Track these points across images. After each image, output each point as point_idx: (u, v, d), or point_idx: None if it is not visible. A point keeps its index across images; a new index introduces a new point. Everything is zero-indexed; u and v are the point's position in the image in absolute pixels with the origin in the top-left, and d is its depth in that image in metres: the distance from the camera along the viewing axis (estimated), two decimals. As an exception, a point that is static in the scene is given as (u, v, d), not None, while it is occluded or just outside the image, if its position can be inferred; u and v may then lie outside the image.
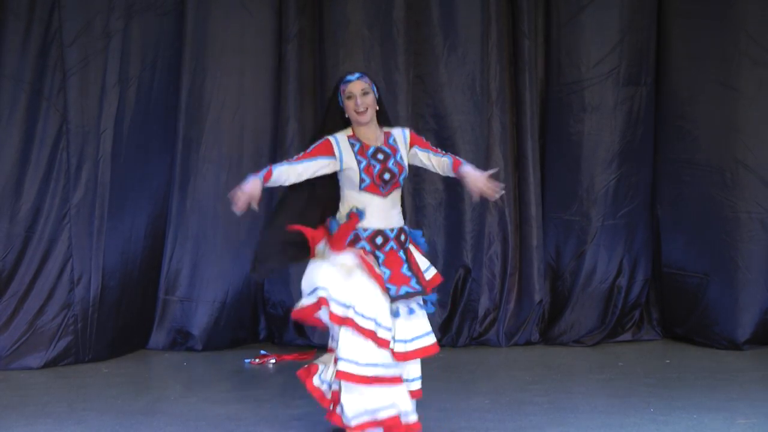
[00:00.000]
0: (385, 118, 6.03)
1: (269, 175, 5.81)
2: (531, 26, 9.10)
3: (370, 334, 5.72)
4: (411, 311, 5.86)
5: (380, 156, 5.89)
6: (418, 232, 6.15)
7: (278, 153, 9.04)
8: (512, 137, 9.18)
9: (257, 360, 8.50)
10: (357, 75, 5.93)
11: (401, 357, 5.80)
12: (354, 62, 8.88)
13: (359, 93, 5.86)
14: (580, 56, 9.04)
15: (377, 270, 5.81)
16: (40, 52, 8.30)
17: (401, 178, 5.92)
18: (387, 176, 5.86)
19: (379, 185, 5.85)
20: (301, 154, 5.90)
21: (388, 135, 5.98)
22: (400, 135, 6.02)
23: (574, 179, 9.08)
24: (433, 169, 6.08)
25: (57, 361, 8.28)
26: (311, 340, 8.89)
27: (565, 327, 9.06)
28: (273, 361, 8.48)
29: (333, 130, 5.94)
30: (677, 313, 9.11)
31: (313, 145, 5.91)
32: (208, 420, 6.66)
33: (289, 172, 5.87)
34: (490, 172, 5.90)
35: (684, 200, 8.98)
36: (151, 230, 8.86)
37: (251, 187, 5.73)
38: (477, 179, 5.87)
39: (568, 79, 9.08)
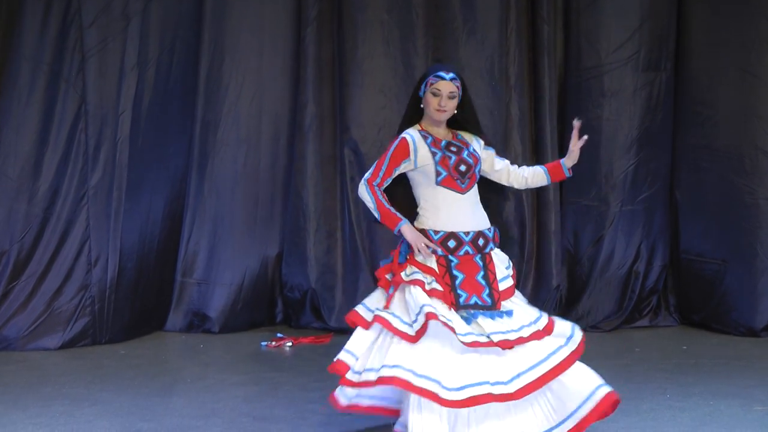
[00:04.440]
0: (473, 120, 5.76)
1: (381, 205, 5.60)
2: (550, 11, 9.07)
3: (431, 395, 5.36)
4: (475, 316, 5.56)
5: (453, 148, 5.65)
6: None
7: (296, 136, 9.03)
8: (531, 122, 9.16)
9: (273, 343, 8.50)
10: (451, 75, 5.62)
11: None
12: (373, 46, 8.87)
13: (446, 94, 5.59)
14: (599, 41, 9.01)
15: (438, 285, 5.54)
16: (59, 34, 8.31)
17: (477, 169, 5.66)
18: (463, 167, 5.60)
19: (456, 178, 5.59)
20: (380, 166, 5.64)
21: (456, 134, 5.75)
22: (471, 136, 5.76)
23: (593, 164, 9.04)
24: (498, 177, 5.78)
25: (74, 342, 8.29)
26: (328, 323, 8.89)
27: (582, 312, 9.04)
28: (289, 344, 8.48)
29: (412, 119, 5.72)
30: (695, 300, 9.09)
31: (392, 149, 5.63)
32: (224, 402, 6.67)
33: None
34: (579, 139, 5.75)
35: (703, 186, 8.95)
36: (169, 212, 8.87)
37: (412, 236, 5.55)
38: (575, 153, 5.76)
39: (587, 64, 9.05)
